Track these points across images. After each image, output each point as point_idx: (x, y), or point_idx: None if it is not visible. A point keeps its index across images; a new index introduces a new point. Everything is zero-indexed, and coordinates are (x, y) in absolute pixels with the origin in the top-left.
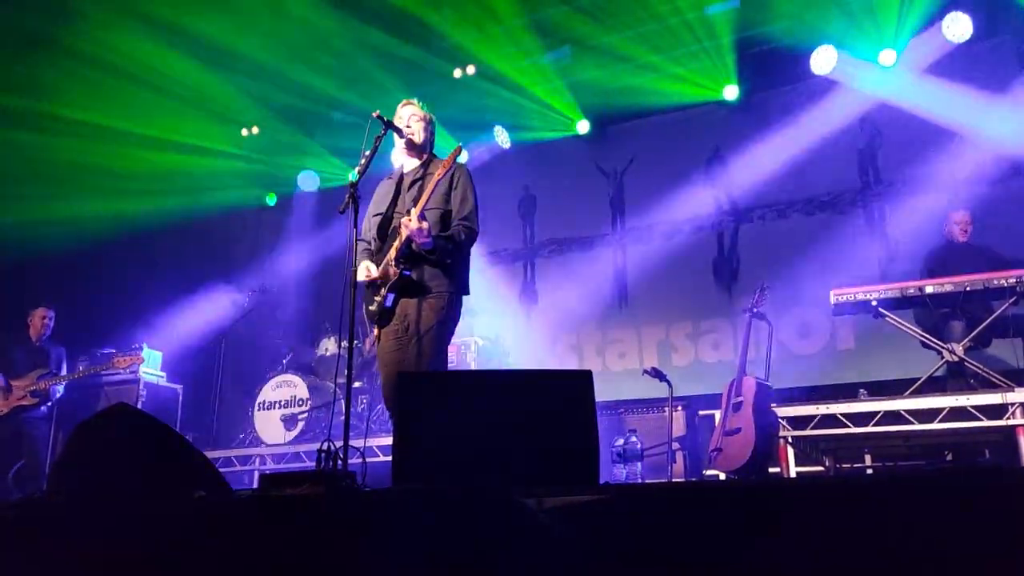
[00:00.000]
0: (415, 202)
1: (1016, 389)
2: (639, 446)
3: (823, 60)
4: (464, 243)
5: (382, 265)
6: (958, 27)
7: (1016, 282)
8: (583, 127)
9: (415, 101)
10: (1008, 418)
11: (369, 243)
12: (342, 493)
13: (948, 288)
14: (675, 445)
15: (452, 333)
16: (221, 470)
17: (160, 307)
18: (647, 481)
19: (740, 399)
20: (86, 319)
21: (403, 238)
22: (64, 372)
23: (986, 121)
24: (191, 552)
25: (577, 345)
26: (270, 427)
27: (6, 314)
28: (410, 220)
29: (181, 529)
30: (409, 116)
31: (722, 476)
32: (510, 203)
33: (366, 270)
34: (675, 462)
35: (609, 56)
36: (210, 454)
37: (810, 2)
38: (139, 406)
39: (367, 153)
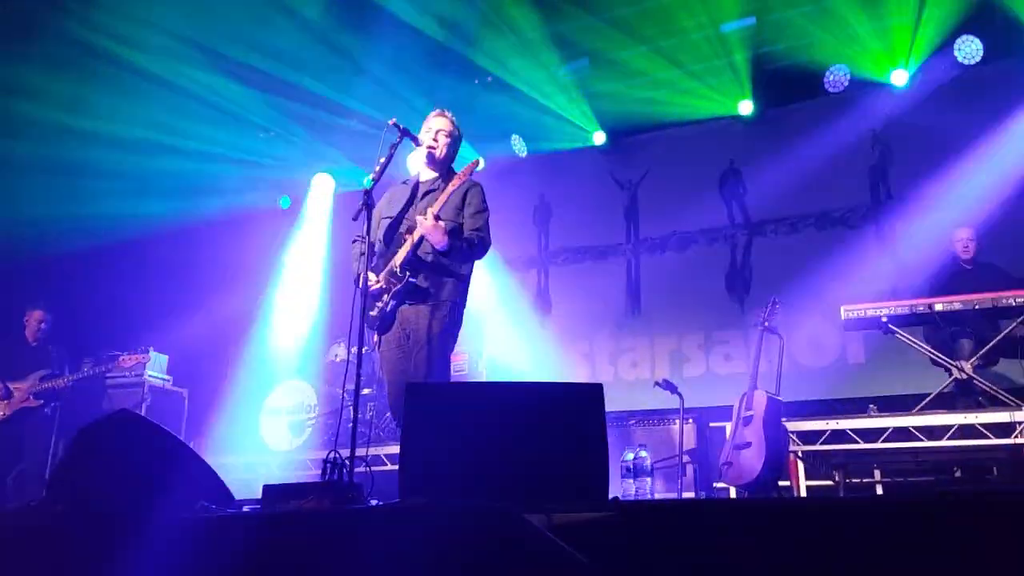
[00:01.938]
0: (456, 209)
1: None
2: (648, 460)
3: (836, 79)
4: (477, 249)
5: (384, 272)
6: (969, 49)
7: None
8: (599, 138)
9: (447, 113)
10: (1016, 436)
11: (372, 245)
12: (347, 508)
13: (957, 306)
14: (685, 458)
15: (455, 342)
16: (226, 477)
17: (168, 309)
18: (657, 496)
19: (751, 413)
20: (93, 321)
21: (412, 242)
22: (67, 372)
23: (995, 141)
24: (192, 564)
25: (590, 353)
26: (277, 433)
27: (10, 315)
28: (426, 219)
29: (182, 540)
30: (437, 131)
31: (732, 490)
32: (525, 211)
33: (371, 280)
34: (685, 475)
35: (627, 69)
36: (215, 460)
37: (824, 22)
38: (143, 409)
39: (382, 160)
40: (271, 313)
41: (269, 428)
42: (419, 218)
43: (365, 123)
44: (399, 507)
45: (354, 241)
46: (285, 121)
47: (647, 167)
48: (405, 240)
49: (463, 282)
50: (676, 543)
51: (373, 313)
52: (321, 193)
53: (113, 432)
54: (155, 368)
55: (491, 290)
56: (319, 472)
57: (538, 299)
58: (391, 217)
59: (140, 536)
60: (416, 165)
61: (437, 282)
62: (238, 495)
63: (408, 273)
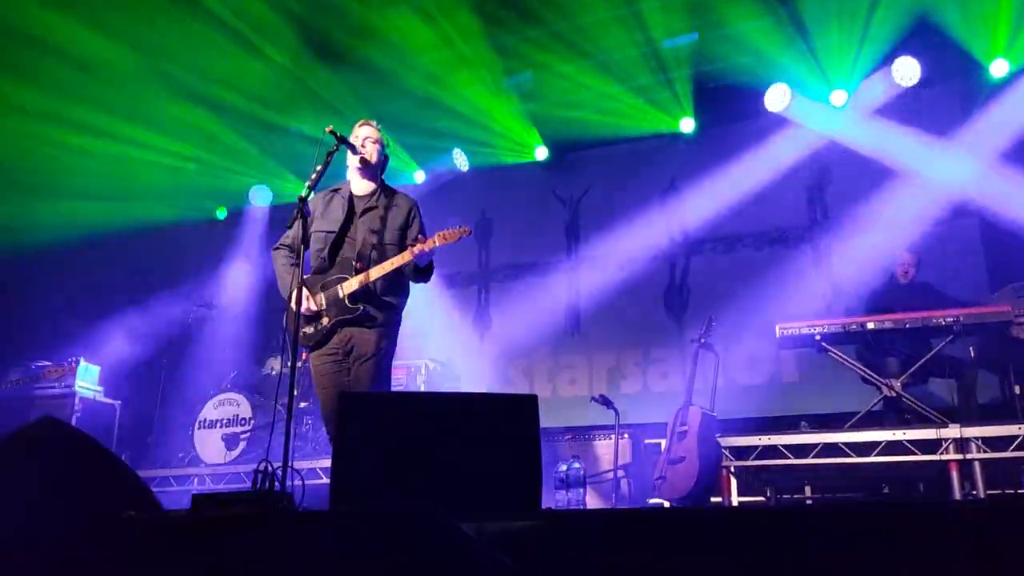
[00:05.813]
0: (399, 229)
1: (950, 425)
2: (582, 471)
3: (777, 98)
4: (429, 273)
5: (325, 296)
6: (907, 71)
7: (953, 321)
8: (541, 153)
9: (373, 122)
10: (941, 453)
11: (296, 255)
12: (276, 514)
13: (888, 325)
14: (620, 472)
15: (393, 356)
16: (157, 489)
17: (101, 319)
18: (588, 507)
19: (685, 428)
20: (22, 330)
21: (366, 278)
22: None
23: (931, 163)
24: (116, 574)
25: (529, 370)
26: (210, 446)
27: None
28: (420, 247)
29: (107, 549)
30: (364, 138)
31: (666, 504)
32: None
33: (307, 300)
34: (620, 489)
35: (569, 84)
36: (147, 473)
37: (766, 41)
38: (73, 421)
39: (319, 168)
40: (206, 325)
41: (203, 441)
42: (414, 248)
43: (302, 135)
44: (328, 514)
45: (276, 248)
46: (223, 131)
47: (588, 184)
48: (357, 271)
49: (403, 305)
50: (606, 552)
51: (309, 331)
52: (258, 204)
53: (35, 439)
54: (86, 379)
55: (432, 306)
56: (250, 485)
57: (478, 315)
58: (332, 232)
59: (63, 546)
60: (352, 177)
61: (382, 305)
62: (171, 507)
63: (361, 306)
